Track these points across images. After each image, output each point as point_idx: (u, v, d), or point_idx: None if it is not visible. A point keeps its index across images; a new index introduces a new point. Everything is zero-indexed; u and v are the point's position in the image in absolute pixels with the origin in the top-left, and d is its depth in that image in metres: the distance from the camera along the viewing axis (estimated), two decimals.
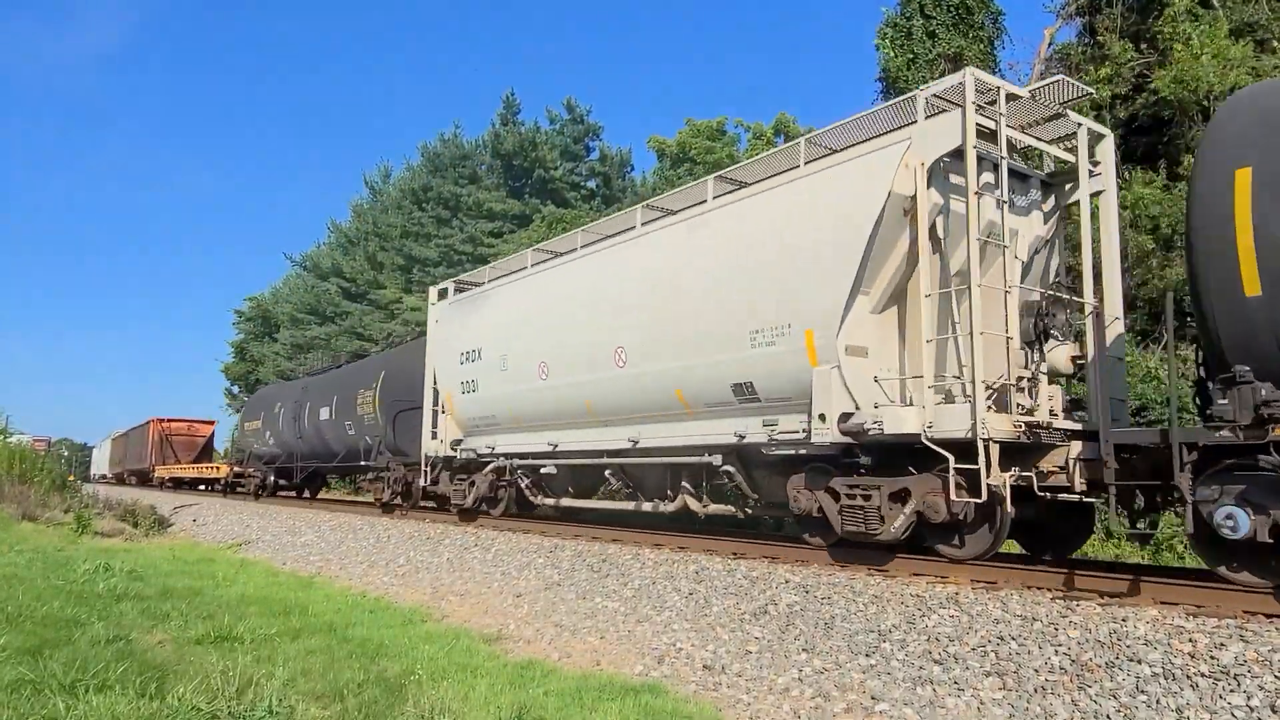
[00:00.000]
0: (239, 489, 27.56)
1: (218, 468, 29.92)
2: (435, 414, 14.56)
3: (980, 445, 6.67)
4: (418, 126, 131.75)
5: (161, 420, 39.54)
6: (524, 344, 12.14)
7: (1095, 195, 8.37)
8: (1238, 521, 5.53)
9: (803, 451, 8.13)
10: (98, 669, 5.44)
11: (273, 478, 24.00)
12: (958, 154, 7.26)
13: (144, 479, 41.85)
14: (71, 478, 30.28)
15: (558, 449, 11.61)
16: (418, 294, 36.90)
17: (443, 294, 15.34)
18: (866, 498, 7.62)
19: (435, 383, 14.58)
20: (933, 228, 7.54)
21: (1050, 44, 20.44)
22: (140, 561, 12.23)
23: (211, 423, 42.21)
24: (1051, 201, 8.51)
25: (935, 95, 7.46)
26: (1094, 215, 8.33)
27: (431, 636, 7.44)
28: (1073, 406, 7.95)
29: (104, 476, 56.83)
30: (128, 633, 7.03)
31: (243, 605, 8.77)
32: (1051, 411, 7.41)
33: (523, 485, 12.89)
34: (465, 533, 12.66)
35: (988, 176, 7.38)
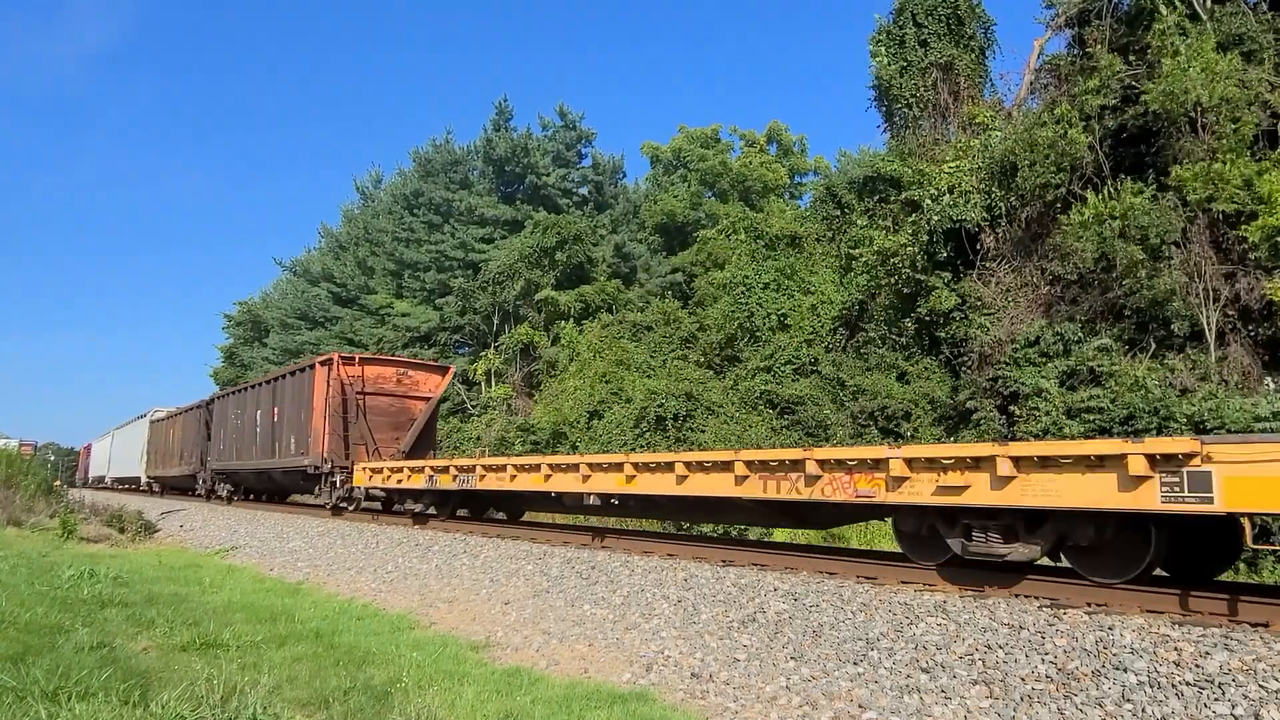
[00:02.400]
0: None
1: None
2: None
3: None
4: (409, 132, 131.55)
5: (349, 360, 19.00)
6: None
7: None
8: None
9: None
10: (81, 676, 5.39)
11: None
12: None
13: (278, 492, 23.81)
14: (58, 483, 29.70)
15: None
16: (408, 299, 36.87)
17: None
18: None
19: None
20: None
21: (1040, 55, 20.62)
22: (126, 567, 12.14)
23: (445, 370, 20.79)
24: None
25: None
26: None
27: (419, 644, 7.40)
28: None
29: (122, 482, 42.40)
30: (112, 639, 6.97)
31: (229, 612, 8.71)
32: None
33: None
34: (454, 539, 12.61)
35: None
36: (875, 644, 6.08)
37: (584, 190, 38.56)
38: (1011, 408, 15.40)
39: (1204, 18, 16.01)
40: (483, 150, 37.20)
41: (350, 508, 17.63)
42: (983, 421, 15.71)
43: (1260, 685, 4.49)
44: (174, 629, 7.52)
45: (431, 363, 22.98)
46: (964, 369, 17.29)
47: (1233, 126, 14.25)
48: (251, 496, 25.88)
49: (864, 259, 20.48)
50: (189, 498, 29.71)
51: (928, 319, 18.43)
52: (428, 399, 19.57)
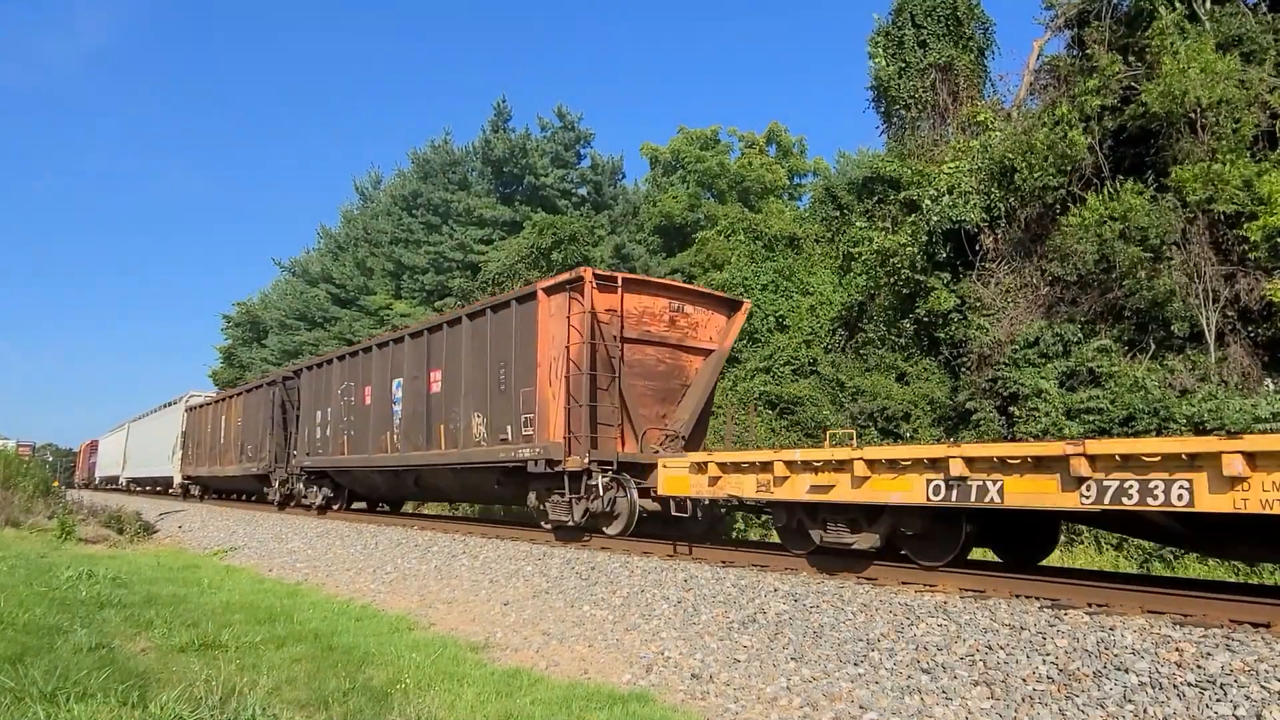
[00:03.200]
0: None
1: None
2: None
3: None
4: (409, 132, 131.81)
5: (608, 283, 11.20)
6: None
7: None
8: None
9: None
10: (79, 677, 5.37)
11: None
12: None
13: (418, 498, 19.39)
14: (56, 483, 29.61)
15: None
16: (407, 300, 36.83)
17: None
18: None
19: None
20: None
21: (1039, 55, 20.60)
22: (124, 568, 12.13)
23: (738, 306, 13.09)
24: None
25: None
26: None
27: (418, 644, 7.39)
28: None
29: (142, 483, 37.09)
30: (110, 640, 6.96)
31: (227, 613, 8.70)
32: None
33: None
34: (453, 539, 12.59)
35: None
36: (876, 645, 6.07)
37: (583, 191, 38.49)
38: (1011, 408, 15.38)
39: (1203, 18, 16.01)
40: (481, 151, 37.14)
41: (611, 529, 11.01)
42: (982, 422, 15.70)
43: (1262, 685, 4.48)
44: (172, 630, 7.51)
45: (711, 291, 13.65)
46: (963, 370, 17.27)
47: (1233, 127, 14.24)
48: (339, 503, 19.06)
49: (863, 259, 20.47)
50: (246, 505, 23.89)
51: (927, 320, 18.41)
52: (709, 352, 12.32)
